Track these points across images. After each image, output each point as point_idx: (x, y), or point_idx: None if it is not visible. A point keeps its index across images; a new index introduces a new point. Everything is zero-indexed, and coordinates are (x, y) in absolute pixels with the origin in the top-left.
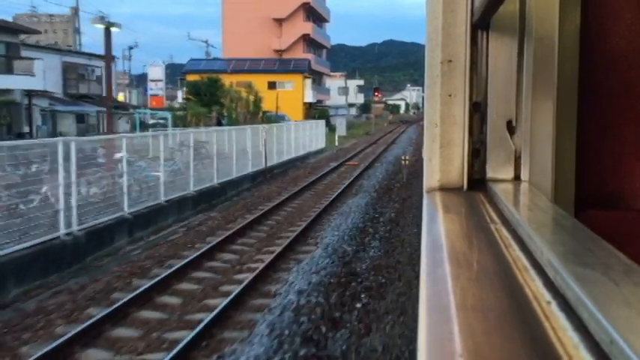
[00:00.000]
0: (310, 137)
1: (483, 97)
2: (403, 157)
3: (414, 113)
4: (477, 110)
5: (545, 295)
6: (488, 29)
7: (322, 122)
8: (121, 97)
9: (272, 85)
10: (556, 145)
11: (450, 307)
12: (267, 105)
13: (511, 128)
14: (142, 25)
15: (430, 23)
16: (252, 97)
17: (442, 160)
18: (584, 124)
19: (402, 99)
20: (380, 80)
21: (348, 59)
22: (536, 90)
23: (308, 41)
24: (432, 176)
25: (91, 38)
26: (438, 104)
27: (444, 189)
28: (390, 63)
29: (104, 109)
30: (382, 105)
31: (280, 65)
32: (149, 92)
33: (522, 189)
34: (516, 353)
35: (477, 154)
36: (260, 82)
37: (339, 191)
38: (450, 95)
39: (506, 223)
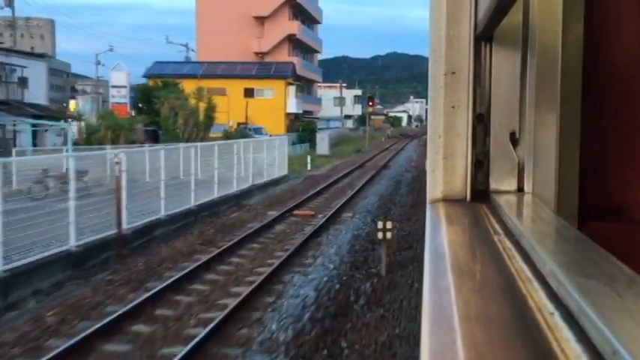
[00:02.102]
0: (265, 161)
1: (487, 108)
2: (381, 225)
3: (416, 126)
4: (481, 122)
5: (549, 306)
6: (491, 41)
7: (284, 139)
8: (73, 105)
9: (249, 93)
10: (559, 156)
11: (452, 317)
12: (243, 116)
13: (514, 140)
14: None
15: (434, 35)
16: (202, 105)
17: (445, 172)
18: (587, 136)
19: (404, 111)
20: (383, 92)
21: (351, 71)
22: (540, 102)
23: (294, 43)
24: (435, 187)
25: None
26: (442, 115)
27: (447, 200)
28: (394, 75)
29: (26, 118)
30: (382, 117)
31: (260, 69)
32: (111, 100)
33: (525, 200)
34: None
35: (481, 165)
36: (235, 88)
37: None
38: (453, 107)
39: (510, 234)
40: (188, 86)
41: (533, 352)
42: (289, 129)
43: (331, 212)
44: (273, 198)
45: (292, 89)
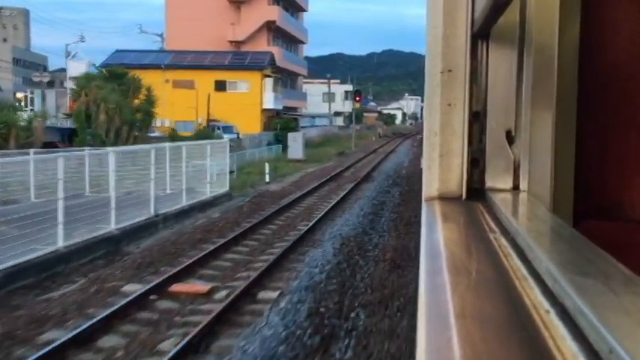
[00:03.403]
0: (202, 172)
1: (483, 106)
2: None
3: (410, 124)
4: (477, 120)
5: (544, 303)
6: (488, 39)
7: (224, 144)
8: (20, 96)
9: (220, 86)
10: (555, 155)
11: (449, 315)
12: (213, 112)
13: (510, 138)
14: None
15: (430, 33)
16: (136, 100)
17: (441, 169)
18: (583, 135)
19: (398, 108)
20: (378, 90)
21: (346, 68)
22: (536, 100)
23: (274, 31)
24: (431, 185)
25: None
26: (438, 113)
27: (442, 198)
28: (389, 73)
29: None
30: (375, 114)
31: (233, 59)
32: (69, 93)
33: (521, 199)
34: None
35: (476, 163)
36: (205, 80)
37: None
38: (449, 104)
39: (505, 232)
40: (152, 78)
41: (529, 349)
42: (266, 127)
43: (245, 284)
44: (173, 242)
45: (269, 82)
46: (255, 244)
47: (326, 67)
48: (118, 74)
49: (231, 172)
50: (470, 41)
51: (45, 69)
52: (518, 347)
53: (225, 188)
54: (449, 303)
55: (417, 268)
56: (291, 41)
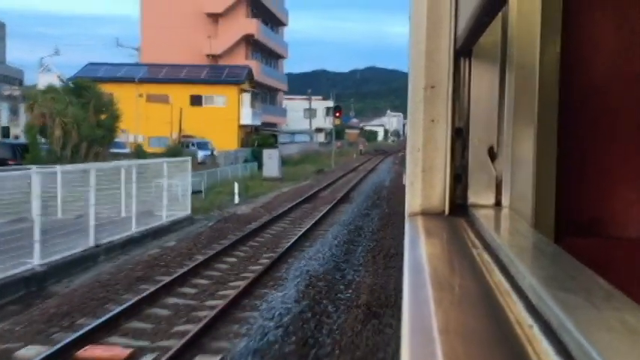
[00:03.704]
0: (161, 194)
1: (465, 122)
2: None
3: (393, 141)
4: (459, 136)
5: (527, 319)
6: (470, 56)
7: (185, 162)
8: None
9: (196, 100)
10: (536, 171)
11: (432, 330)
12: (189, 127)
13: (492, 154)
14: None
15: (414, 48)
16: (103, 115)
17: (424, 185)
18: (564, 152)
19: (380, 125)
20: (361, 106)
21: (329, 85)
22: (518, 116)
23: (252, 45)
24: (413, 201)
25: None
26: (421, 129)
27: (425, 214)
28: (372, 89)
29: None
30: (357, 131)
31: (209, 73)
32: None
33: (503, 214)
34: None
35: (459, 179)
36: (180, 95)
37: None
38: (432, 120)
39: (488, 248)
40: (125, 92)
41: None
42: (244, 143)
43: (179, 345)
44: (106, 281)
45: (247, 97)
46: (205, 284)
47: (309, 83)
48: (82, 87)
49: (199, 191)
50: (453, 58)
51: (21, 83)
52: None
53: (187, 211)
54: (432, 318)
55: (399, 319)
56: (270, 56)
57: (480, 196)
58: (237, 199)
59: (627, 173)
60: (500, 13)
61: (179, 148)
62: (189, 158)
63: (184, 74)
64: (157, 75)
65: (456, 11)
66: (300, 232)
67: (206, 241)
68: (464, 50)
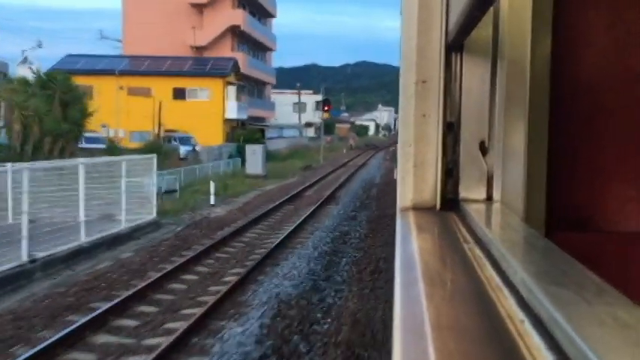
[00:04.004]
0: (117, 196)
1: (457, 117)
2: None
3: (384, 135)
4: (451, 130)
5: (519, 314)
6: (462, 51)
7: (150, 160)
8: None
9: (179, 94)
10: (527, 166)
11: (424, 326)
12: (172, 122)
13: (484, 149)
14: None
15: (405, 44)
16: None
17: (416, 180)
18: (555, 146)
19: (371, 120)
20: (352, 101)
21: (320, 79)
22: (509, 111)
23: (239, 36)
24: (405, 196)
25: None
26: (412, 124)
27: (417, 208)
28: (363, 84)
29: None
30: (348, 125)
31: (193, 65)
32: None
33: (494, 209)
34: None
35: (450, 173)
36: (163, 88)
37: None
38: (424, 115)
39: (479, 242)
40: (105, 85)
41: None
42: (229, 138)
43: None
44: (26, 311)
45: (232, 90)
46: (150, 313)
47: (299, 78)
48: (49, 79)
49: (173, 191)
50: (444, 53)
51: (5, 76)
52: (494, 357)
53: (152, 215)
54: (424, 314)
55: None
56: (258, 48)
57: (471, 190)
58: (212, 200)
59: (618, 168)
60: (491, 8)
61: (158, 143)
62: (153, 156)
63: (167, 66)
64: (138, 67)
65: (447, 6)
66: (277, 241)
67: (167, 252)
68: (455, 45)
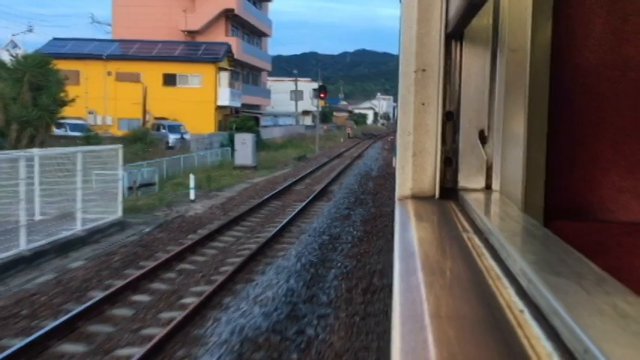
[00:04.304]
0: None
1: (456, 106)
2: None
3: (382, 124)
4: (450, 119)
5: (518, 303)
6: (462, 40)
7: (114, 151)
8: None
9: (170, 80)
10: (527, 155)
11: (423, 315)
12: (162, 109)
13: (483, 138)
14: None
15: (405, 32)
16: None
17: (415, 169)
18: (554, 136)
19: (370, 108)
20: (351, 89)
21: (319, 67)
22: (508, 100)
23: (232, 21)
24: (404, 184)
25: None
26: (412, 113)
27: (416, 197)
28: (362, 72)
29: None
30: (346, 114)
31: (184, 50)
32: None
33: (493, 198)
34: None
35: (450, 162)
36: (152, 73)
37: None
38: (423, 104)
39: (478, 232)
40: (92, 70)
41: (504, 349)
42: (222, 127)
43: None
44: None
45: (224, 76)
46: (74, 355)
47: (298, 65)
48: (34, 61)
49: (151, 184)
50: (444, 41)
51: None
52: (493, 347)
53: (117, 214)
54: (424, 303)
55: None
56: (253, 33)
57: (470, 179)
58: (192, 195)
59: (617, 158)
60: None
61: (143, 131)
62: (119, 146)
63: (157, 51)
64: (127, 52)
65: None
66: (255, 247)
67: (122, 263)
68: (455, 34)
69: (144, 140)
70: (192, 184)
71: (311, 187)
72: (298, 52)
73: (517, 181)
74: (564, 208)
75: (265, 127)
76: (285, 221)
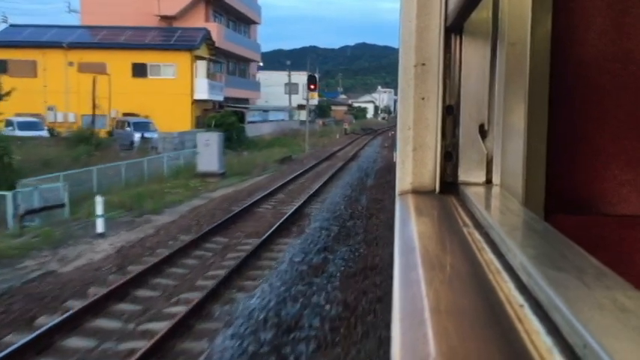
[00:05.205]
0: None
1: (456, 100)
2: None
3: (383, 118)
4: (450, 113)
5: (518, 298)
6: (461, 33)
7: None
8: None
9: (140, 70)
10: (527, 149)
11: (423, 310)
12: (131, 103)
13: (483, 132)
14: None
15: (404, 26)
16: None
17: (415, 163)
18: (555, 129)
19: (370, 101)
20: (351, 83)
21: (319, 61)
22: (509, 94)
23: (214, 5)
24: (404, 179)
25: None
26: (412, 107)
27: (416, 192)
28: (363, 66)
29: None
30: (345, 108)
31: (156, 37)
32: None
33: (494, 192)
34: (490, 357)
35: (450, 157)
36: (120, 63)
37: None
38: (423, 98)
39: (479, 226)
40: (51, 60)
41: (504, 344)
42: (200, 123)
43: None
44: None
45: (202, 65)
46: None
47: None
48: None
49: (59, 206)
50: (443, 35)
51: None
52: (493, 342)
53: None
54: (424, 298)
55: (392, 260)
56: (240, 20)
57: (470, 173)
58: (100, 227)
59: (618, 151)
60: None
61: (86, 132)
62: None
63: (125, 38)
64: (92, 39)
65: None
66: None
67: None
68: (455, 27)
69: (89, 142)
70: (98, 209)
71: (282, 206)
72: (298, 47)
73: (517, 174)
74: (565, 201)
75: (253, 123)
76: (213, 284)
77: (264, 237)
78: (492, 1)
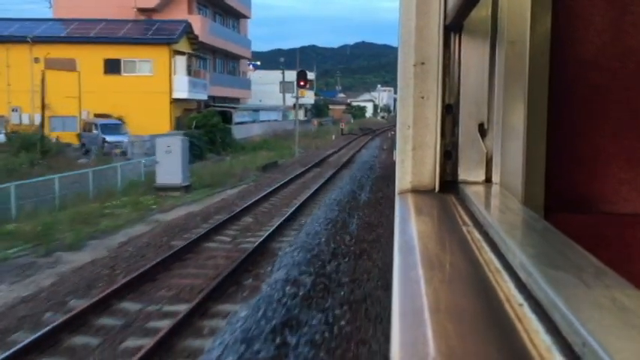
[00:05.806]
0: None
1: (456, 99)
2: None
3: (382, 117)
4: (450, 112)
5: (518, 297)
6: (460, 32)
7: None
8: None
9: (113, 67)
10: (527, 147)
11: (423, 309)
12: (103, 103)
13: (483, 130)
14: None
15: (403, 25)
16: None
17: (414, 162)
18: (555, 128)
19: (370, 100)
20: (351, 82)
21: (319, 60)
22: (508, 93)
23: None
24: (404, 178)
25: None
26: (411, 106)
27: (415, 191)
28: (362, 65)
29: None
30: (343, 107)
31: (131, 31)
32: None
33: (493, 191)
34: (489, 356)
35: (449, 156)
36: (91, 59)
37: None
38: (422, 97)
39: (478, 225)
40: (15, 55)
41: (503, 343)
42: (181, 124)
43: None
44: None
45: (181, 61)
46: None
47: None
48: None
49: None
50: (442, 34)
51: None
52: (493, 341)
53: None
54: (423, 297)
55: (391, 259)
56: (228, 14)
57: (470, 172)
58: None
59: (618, 149)
60: None
61: (33, 136)
62: None
63: (97, 31)
64: (59, 33)
65: None
66: None
67: None
68: (454, 26)
69: (34, 148)
70: None
71: (243, 238)
72: (297, 46)
73: (517, 173)
74: (565, 200)
75: (241, 123)
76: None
77: (195, 301)
78: (492, 0)
